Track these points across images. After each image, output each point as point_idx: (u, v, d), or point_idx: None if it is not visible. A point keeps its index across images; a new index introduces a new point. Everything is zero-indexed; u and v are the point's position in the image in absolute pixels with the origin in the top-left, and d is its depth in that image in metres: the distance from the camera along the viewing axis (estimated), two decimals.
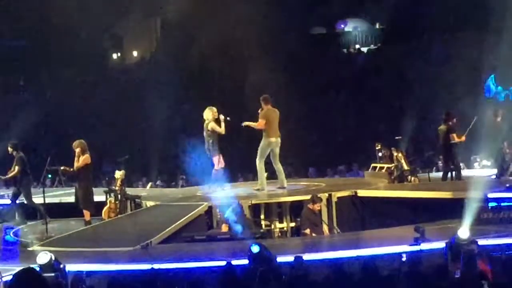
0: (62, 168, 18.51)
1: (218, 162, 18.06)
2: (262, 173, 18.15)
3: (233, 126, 18.35)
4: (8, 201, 19.31)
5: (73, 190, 18.20)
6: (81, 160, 17.27)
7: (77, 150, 17.38)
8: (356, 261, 11.11)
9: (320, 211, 16.19)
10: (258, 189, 18.14)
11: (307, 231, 15.90)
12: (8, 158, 18.63)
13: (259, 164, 17.98)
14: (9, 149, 18.35)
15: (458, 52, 29.30)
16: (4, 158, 19.78)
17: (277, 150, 17.98)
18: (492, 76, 30.93)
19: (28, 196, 18.10)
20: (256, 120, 17.96)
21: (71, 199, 18.13)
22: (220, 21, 29.16)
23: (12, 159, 18.30)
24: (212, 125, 17.85)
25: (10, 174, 18.37)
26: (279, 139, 17.96)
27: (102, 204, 18.06)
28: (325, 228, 16.41)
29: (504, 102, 30.40)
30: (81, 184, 17.53)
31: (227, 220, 15.11)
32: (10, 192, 20.38)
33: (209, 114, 17.98)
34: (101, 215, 17.87)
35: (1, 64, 32.68)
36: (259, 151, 17.93)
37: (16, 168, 18.06)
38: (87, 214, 17.39)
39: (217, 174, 18.24)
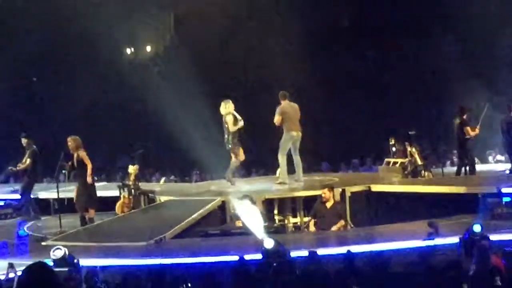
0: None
1: (238, 154, 18.08)
2: (283, 167, 18.10)
3: (248, 121, 18.38)
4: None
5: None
6: (85, 158, 16.34)
7: (73, 146, 16.41)
8: (370, 256, 11.07)
9: (329, 200, 15.89)
10: (280, 183, 18.09)
11: (311, 222, 15.85)
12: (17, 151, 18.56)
13: (281, 158, 17.97)
14: (23, 140, 18.26)
15: (473, 47, 29.17)
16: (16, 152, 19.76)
17: (298, 144, 17.99)
18: None
19: (27, 189, 18.02)
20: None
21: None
22: (237, 13, 29.14)
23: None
24: (229, 119, 17.89)
25: (22, 166, 18.34)
26: (299, 133, 17.98)
27: (115, 199, 18.10)
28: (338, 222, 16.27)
29: None
30: (83, 180, 16.48)
31: (240, 215, 15.10)
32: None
33: (224, 108, 18.04)
34: (107, 210, 17.82)
35: (14, 61, 32.71)
36: (280, 146, 17.93)
37: (28, 160, 18.07)
38: (91, 212, 16.59)
39: (235, 166, 18.31)
